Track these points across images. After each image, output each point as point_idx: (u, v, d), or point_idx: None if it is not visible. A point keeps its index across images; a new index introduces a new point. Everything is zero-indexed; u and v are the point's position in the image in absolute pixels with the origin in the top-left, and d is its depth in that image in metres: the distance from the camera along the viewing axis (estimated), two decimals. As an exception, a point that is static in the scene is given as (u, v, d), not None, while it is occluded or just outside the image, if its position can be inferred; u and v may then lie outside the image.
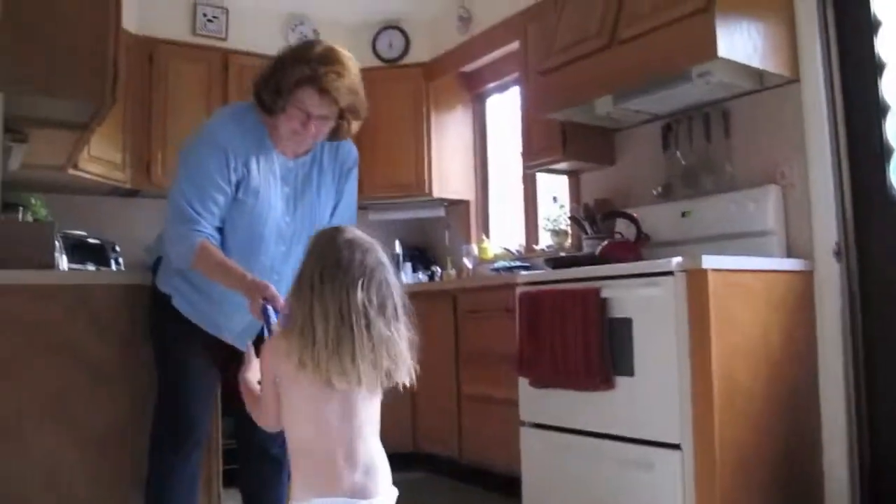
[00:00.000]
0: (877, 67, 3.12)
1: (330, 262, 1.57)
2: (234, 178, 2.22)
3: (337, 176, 2.44)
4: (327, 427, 1.59)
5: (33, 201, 3.96)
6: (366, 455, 1.64)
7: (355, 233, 1.65)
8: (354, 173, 2.50)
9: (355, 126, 2.36)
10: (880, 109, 3.10)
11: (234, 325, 2.32)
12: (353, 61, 2.25)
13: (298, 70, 2.16)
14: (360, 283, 1.56)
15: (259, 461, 2.48)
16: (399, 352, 1.63)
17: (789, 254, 3.26)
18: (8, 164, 3.33)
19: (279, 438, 2.47)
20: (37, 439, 2.36)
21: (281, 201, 2.31)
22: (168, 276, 2.35)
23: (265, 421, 1.71)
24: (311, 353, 1.52)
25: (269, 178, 2.29)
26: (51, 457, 2.37)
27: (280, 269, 2.31)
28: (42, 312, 2.39)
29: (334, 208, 2.46)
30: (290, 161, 2.34)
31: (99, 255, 4.34)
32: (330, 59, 2.18)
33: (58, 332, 2.40)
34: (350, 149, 2.48)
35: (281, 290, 2.32)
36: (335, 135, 2.34)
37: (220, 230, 2.26)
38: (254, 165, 2.25)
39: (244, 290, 2.10)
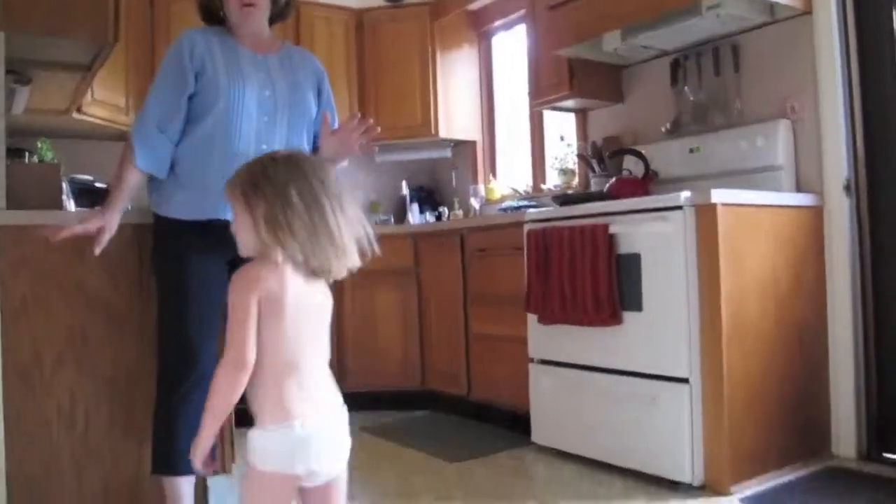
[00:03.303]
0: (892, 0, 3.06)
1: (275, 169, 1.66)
2: (195, 65, 2.35)
3: (311, 78, 2.57)
4: (311, 340, 1.68)
5: (39, 145, 3.95)
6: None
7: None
8: (328, 84, 2.63)
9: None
10: (895, 43, 3.05)
11: None
12: None
13: None
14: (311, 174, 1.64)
15: None
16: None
17: (799, 189, 3.24)
18: (12, 108, 3.32)
19: None
20: (55, 379, 2.39)
21: (255, 80, 2.41)
22: (159, 192, 2.42)
23: (246, 365, 1.61)
24: (304, 248, 1.60)
25: (235, 66, 2.40)
26: (68, 395, 2.40)
27: (266, 139, 2.40)
28: (52, 254, 2.39)
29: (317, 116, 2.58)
30: (259, 55, 2.47)
31: (106, 199, 4.32)
32: None
33: (69, 274, 2.40)
34: (317, 61, 2.65)
35: None
36: (277, 7, 2.52)
37: (189, 121, 2.39)
38: (217, 52, 2.39)
39: (95, 211, 2.35)
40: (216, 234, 2.35)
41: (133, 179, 2.37)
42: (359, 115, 2.46)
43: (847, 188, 3.13)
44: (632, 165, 3.74)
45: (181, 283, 2.34)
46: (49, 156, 3.91)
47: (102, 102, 4.21)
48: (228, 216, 2.33)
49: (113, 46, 2.71)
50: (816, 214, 3.16)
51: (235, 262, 2.45)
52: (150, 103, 2.38)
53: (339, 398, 1.74)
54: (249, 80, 2.40)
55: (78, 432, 2.43)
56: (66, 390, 2.40)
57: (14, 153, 3.63)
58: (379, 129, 2.50)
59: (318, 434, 1.62)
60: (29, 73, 3.07)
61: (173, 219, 2.38)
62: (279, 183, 1.61)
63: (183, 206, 2.37)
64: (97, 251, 2.29)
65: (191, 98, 2.38)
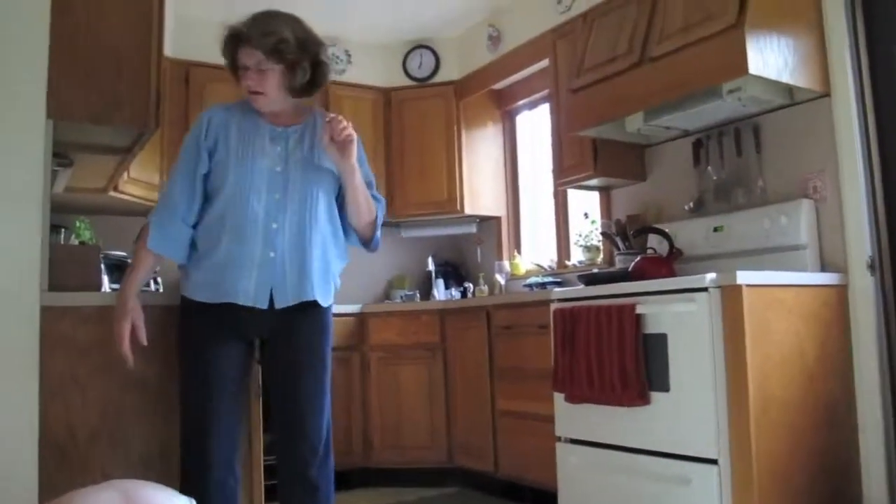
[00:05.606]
0: (908, 81, 3.13)
1: None
2: (209, 143, 2.40)
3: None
4: None
5: (78, 224, 4.05)
6: None
7: None
8: (358, 147, 2.57)
9: (305, 74, 2.45)
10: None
11: (245, 287, 2.36)
12: (280, 13, 2.45)
13: (226, 37, 2.44)
14: None
15: (295, 484, 2.46)
16: None
17: (823, 268, 3.27)
18: (53, 188, 3.42)
19: (317, 461, 2.47)
20: (90, 458, 2.43)
21: (268, 157, 2.41)
22: (184, 276, 2.44)
23: None
24: None
25: (253, 139, 2.42)
26: (100, 472, 2.43)
27: (276, 217, 2.38)
28: (91, 333, 2.45)
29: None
30: (279, 128, 2.47)
31: (122, 285, 4.40)
32: (250, 17, 2.42)
33: (106, 353, 2.44)
34: None
35: (278, 238, 2.37)
36: (294, 84, 2.45)
37: (207, 196, 2.42)
38: (233, 129, 2.42)
39: (119, 305, 2.34)
40: (233, 316, 2.38)
41: (147, 261, 2.40)
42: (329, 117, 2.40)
43: (871, 266, 3.15)
44: (656, 244, 3.78)
45: (200, 370, 2.38)
46: (87, 235, 4.01)
47: (137, 181, 4.34)
48: (240, 300, 2.36)
49: (154, 132, 2.80)
50: (841, 292, 3.18)
51: (258, 342, 2.50)
52: (169, 185, 2.43)
53: None
54: (260, 158, 2.40)
55: (111, 510, 2.45)
56: (100, 467, 2.44)
57: (51, 230, 3.73)
58: (343, 120, 2.41)
59: None
60: (71, 156, 3.18)
61: (192, 300, 2.41)
62: None
63: (198, 288, 2.40)
64: (131, 362, 2.34)
65: (206, 177, 2.41)
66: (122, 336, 2.32)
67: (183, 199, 2.39)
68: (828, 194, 3.29)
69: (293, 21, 2.45)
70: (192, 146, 2.42)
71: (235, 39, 2.40)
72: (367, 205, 2.55)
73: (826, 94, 3.28)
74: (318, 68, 2.50)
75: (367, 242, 2.64)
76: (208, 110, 2.49)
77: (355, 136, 2.41)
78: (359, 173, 2.48)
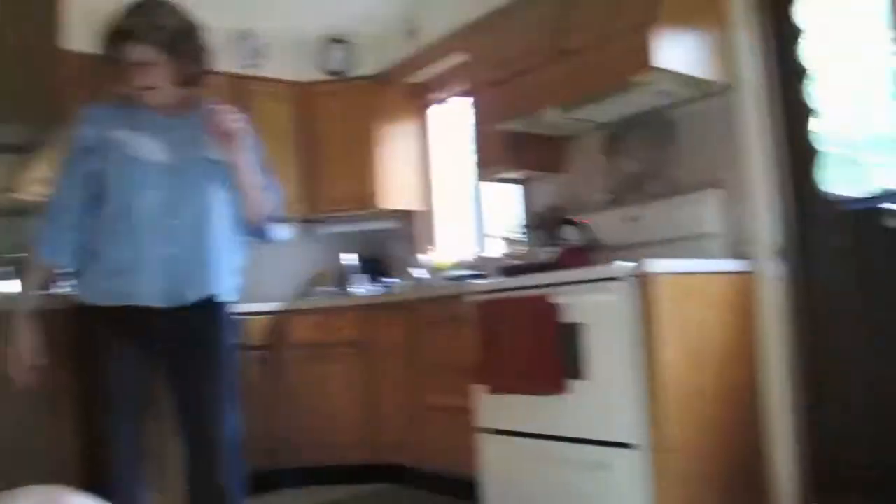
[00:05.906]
0: (803, 72, 3.25)
1: None
2: (91, 142, 2.28)
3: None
4: None
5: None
6: None
7: None
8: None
9: (195, 63, 2.38)
10: (807, 112, 3.23)
11: (144, 287, 2.27)
12: (161, 2, 2.33)
13: (108, 33, 2.29)
14: None
15: (204, 490, 2.36)
16: None
17: (734, 255, 3.35)
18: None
19: (225, 465, 2.35)
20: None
21: (156, 152, 2.29)
22: (79, 281, 2.34)
23: None
24: None
25: (140, 134, 2.30)
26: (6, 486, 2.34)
27: (171, 213, 2.28)
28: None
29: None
30: (166, 120, 2.35)
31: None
32: (130, 10, 2.29)
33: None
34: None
35: (175, 234, 2.27)
36: (186, 75, 2.36)
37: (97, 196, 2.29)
38: (117, 125, 2.29)
39: (11, 333, 2.25)
40: (133, 319, 2.28)
41: (35, 279, 2.34)
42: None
43: (778, 253, 3.24)
44: (575, 235, 3.83)
45: (101, 379, 2.29)
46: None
47: (43, 180, 4.18)
48: (141, 301, 2.25)
49: (58, 129, 2.71)
50: (750, 279, 3.26)
51: (160, 348, 2.37)
52: (54, 190, 2.33)
53: None
54: (149, 153, 2.29)
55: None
56: (7, 480, 2.34)
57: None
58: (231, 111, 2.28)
59: None
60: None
61: (89, 304, 2.31)
62: None
63: (96, 292, 2.30)
64: (30, 384, 2.26)
65: (93, 178, 2.29)
66: (14, 364, 2.25)
67: (70, 204, 2.29)
68: (736, 184, 3.37)
69: (175, 9, 2.35)
70: (72, 148, 2.31)
71: (120, 36, 2.27)
72: (257, 197, 2.41)
73: (733, 87, 3.36)
74: (204, 55, 2.42)
75: (260, 234, 2.51)
76: (87, 108, 2.35)
77: (241, 126, 2.27)
78: (247, 166, 2.34)
